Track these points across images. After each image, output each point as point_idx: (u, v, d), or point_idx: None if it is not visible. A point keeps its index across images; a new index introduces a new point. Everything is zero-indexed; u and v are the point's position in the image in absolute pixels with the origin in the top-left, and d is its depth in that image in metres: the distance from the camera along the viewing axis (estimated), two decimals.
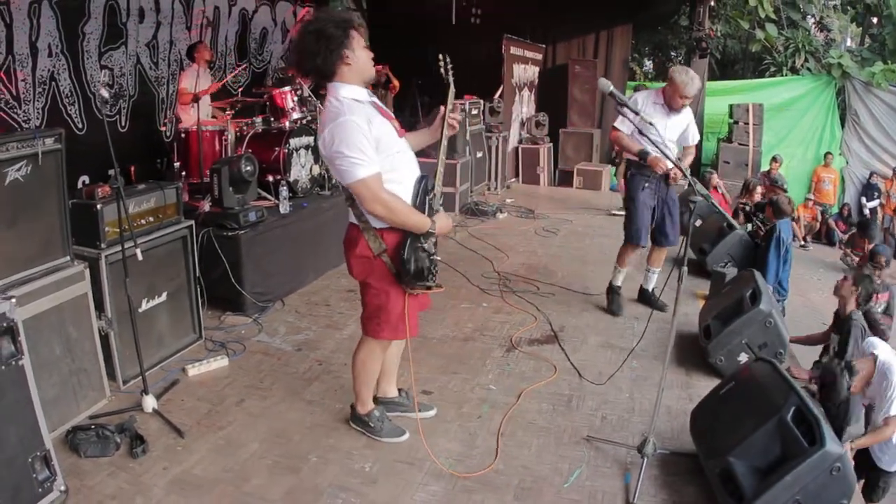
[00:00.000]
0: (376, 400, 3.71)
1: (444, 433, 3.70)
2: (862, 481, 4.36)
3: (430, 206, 3.11)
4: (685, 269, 3.23)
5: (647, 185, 5.19)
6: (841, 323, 5.01)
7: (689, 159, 5.36)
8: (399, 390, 3.86)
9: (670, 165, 4.84)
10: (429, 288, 3.17)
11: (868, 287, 5.04)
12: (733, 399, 3.47)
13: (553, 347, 4.86)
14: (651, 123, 3.48)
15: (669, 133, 5.00)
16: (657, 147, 3.90)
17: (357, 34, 2.97)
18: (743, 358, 4.30)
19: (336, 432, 3.68)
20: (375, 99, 3.12)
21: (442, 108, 3.27)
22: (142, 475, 3.24)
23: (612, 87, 3.18)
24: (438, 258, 3.19)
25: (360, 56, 2.99)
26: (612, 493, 3.24)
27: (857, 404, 4.64)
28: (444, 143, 3.24)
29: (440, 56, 3.26)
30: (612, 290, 5.65)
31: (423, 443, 3.44)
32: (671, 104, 4.98)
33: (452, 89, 3.30)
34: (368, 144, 2.89)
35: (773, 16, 14.89)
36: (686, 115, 5.16)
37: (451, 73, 3.28)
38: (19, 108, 5.99)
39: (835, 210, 13.76)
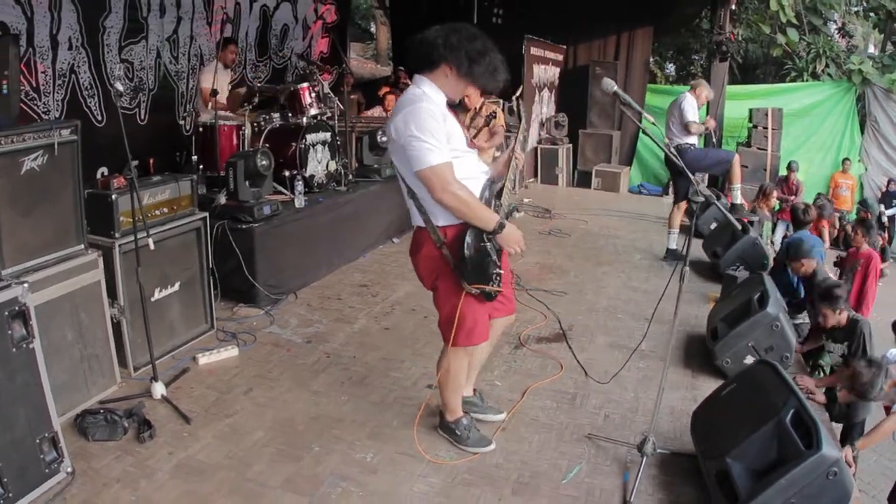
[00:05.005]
0: None
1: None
2: None
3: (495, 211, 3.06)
4: (687, 268, 3.26)
5: None
6: (846, 331, 4.94)
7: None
8: (474, 390, 3.81)
9: None
10: (487, 291, 3.07)
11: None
12: (734, 400, 3.47)
13: (561, 346, 4.89)
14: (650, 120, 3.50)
15: None
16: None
17: (478, 72, 2.97)
18: (749, 360, 4.30)
19: (340, 423, 3.73)
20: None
21: (512, 142, 3.30)
22: (147, 459, 3.31)
23: (616, 87, 3.21)
24: (502, 271, 3.09)
25: (460, 83, 3.02)
26: (610, 491, 3.26)
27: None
28: (512, 176, 3.20)
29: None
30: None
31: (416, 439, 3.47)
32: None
33: (524, 127, 3.37)
34: (441, 133, 2.88)
35: (794, 21, 14.82)
36: None
37: (524, 112, 3.31)
38: (39, 99, 6.09)
39: (852, 216, 13.62)
